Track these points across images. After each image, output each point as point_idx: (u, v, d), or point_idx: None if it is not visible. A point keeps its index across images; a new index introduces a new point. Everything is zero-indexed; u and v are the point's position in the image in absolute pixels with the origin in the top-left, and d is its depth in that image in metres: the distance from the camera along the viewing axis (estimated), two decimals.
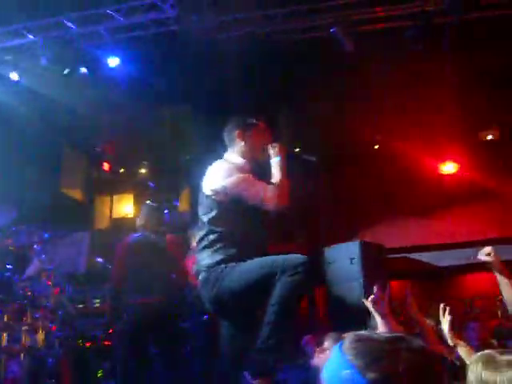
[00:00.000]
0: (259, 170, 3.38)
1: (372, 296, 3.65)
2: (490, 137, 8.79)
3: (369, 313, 3.75)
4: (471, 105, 7.92)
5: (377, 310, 3.64)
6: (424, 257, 9.01)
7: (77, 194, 9.28)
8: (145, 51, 6.84)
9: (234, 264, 3.07)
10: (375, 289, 3.61)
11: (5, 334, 4.19)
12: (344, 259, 8.54)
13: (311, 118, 8.17)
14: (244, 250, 3.13)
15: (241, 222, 3.19)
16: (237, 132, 3.38)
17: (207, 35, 6.50)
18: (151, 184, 9.90)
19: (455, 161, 8.96)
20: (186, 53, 6.72)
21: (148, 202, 6.59)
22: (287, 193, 3.20)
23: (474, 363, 1.82)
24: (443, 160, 8.98)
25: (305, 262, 2.96)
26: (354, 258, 8.37)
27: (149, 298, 4.80)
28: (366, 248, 8.33)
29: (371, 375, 1.14)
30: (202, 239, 3.24)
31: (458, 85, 7.46)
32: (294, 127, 7.84)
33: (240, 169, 3.26)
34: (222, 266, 3.09)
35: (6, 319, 4.23)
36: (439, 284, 9.28)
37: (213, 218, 3.21)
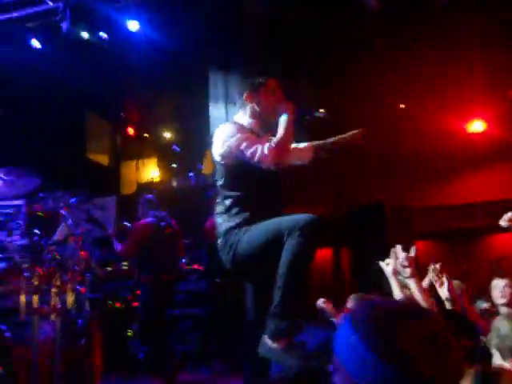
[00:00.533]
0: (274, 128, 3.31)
1: (399, 256, 3.67)
2: None
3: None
4: (498, 62, 7.68)
5: (404, 271, 3.65)
6: (450, 217, 8.93)
7: (103, 160, 9.38)
8: (164, 13, 6.75)
9: (247, 227, 3.08)
10: (399, 250, 3.63)
11: (36, 297, 4.32)
12: (367, 221, 8.59)
13: (335, 81, 8.02)
14: (259, 212, 3.12)
15: (252, 184, 3.17)
16: (246, 93, 3.33)
17: None
18: (175, 147, 9.96)
19: (483, 119, 8.74)
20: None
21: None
22: (286, 151, 3.15)
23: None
24: (471, 119, 8.77)
25: (312, 222, 2.90)
26: (376, 219, 8.42)
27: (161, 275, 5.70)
28: (389, 209, 8.35)
29: (374, 345, 1.14)
30: (217, 204, 3.26)
31: (484, 43, 7.25)
32: (317, 89, 7.72)
33: (244, 129, 3.21)
34: (236, 230, 3.10)
35: (36, 282, 4.36)
36: (464, 244, 9.21)
37: (224, 183, 3.22)
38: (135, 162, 10.09)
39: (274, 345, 2.94)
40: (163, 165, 9.96)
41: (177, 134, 9.82)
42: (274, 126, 3.30)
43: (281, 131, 3.16)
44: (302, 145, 3.62)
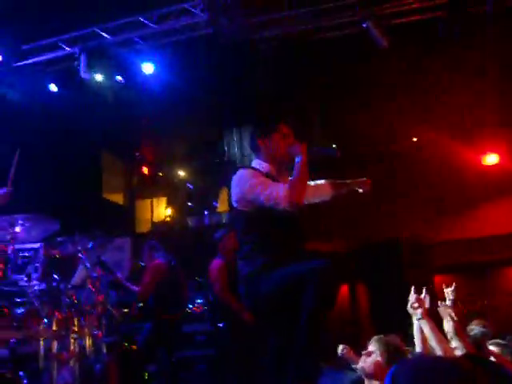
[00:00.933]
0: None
1: (411, 298, 3.64)
2: None
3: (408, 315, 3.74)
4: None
5: (414, 313, 3.62)
6: (467, 250, 8.85)
7: (118, 199, 9.46)
8: (178, 57, 6.91)
9: (267, 273, 3.09)
10: (413, 290, 3.61)
11: (55, 342, 4.31)
12: (383, 257, 8.51)
13: (347, 117, 8.10)
14: (279, 256, 3.13)
15: (271, 228, 3.18)
16: (258, 140, 3.39)
17: (239, 37, 6.54)
18: (189, 185, 10.04)
19: (497, 152, 8.74)
20: (220, 55, 6.79)
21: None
22: (302, 192, 3.15)
23: None
24: (485, 152, 8.77)
25: (327, 268, 2.96)
26: (392, 255, 8.35)
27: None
28: (405, 245, 8.28)
29: None
30: (238, 250, 3.30)
31: (497, 75, 7.29)
32: (329, 126, 7.81)
33: (260, 174, 3.25)
34: (256, 276, 3.11)
35: (54, 327, 4.35)
36: (483, 278, 9.09)
37: (243, 228, 3.27)
38: (150, 201, 10.16)
39: None
40: (177, 203, 10.02)
41: (191, 172, 9.91)
42: (290, 169, 3.34)
43: (295, 173, 3.19)
44: (320, 182, 3.65)
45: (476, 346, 3.48)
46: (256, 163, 3.39)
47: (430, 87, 7.56)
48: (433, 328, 3.43)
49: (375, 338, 3.69)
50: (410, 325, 4.37)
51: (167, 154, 9.34)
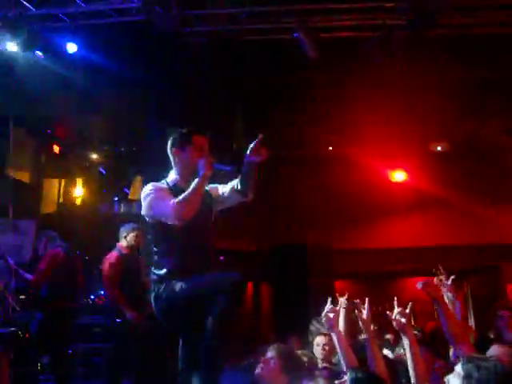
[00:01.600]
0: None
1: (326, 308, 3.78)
2: (439, 148, 9.07)
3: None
4: (423, 116, 8.16)
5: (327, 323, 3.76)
6: (369, 260, 9.28)
7: (24, 177, 8.99)
8: (104, 39, 6.68)
9: (175, 281, 3.17)
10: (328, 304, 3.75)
11: None
12: (290, 259, 8.76)
13: (267, 118, 8.21)
14: (187, 262, 3.22)
15: (176, 238, 3.24)
16: (174, 150, 3.40)
17: (170, 28, 6.42)
18: (102, 170, 9.74)
19: (405, 170, 9.22)
20: (147, 44, 6.65)
21: None
22: (191, 208, 3.15)
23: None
24: (394, 168, 9.22)
25: (234, 283, 3.09)
26: (299, 258, 8.61)
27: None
28: (312, 250, 8.57)
29: None
30: (149, 256, 3.40)
31: (410, 96, 7.68)
32: (250, 126, 7.86)
33: (161, 188, 3.30)
34: (164, 284, 3.20)
35: None
36: (380, 286, 9.58)
37: (151, 237, 3.37)
38: (58, 181, 9.74)
39: None
40: (87, 187, 9.70)
41: (105, 156, 9.61)
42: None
43: (191, 188, 3.18)
44: (228, 187, 3.56)
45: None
46: (170, 173, 3.44)
47: (349, 101, 7.80)
48: (341, 340, 3.60)
49: (273, 346, 3.82)
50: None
51: (83, 134, 8.96)
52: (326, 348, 4.24)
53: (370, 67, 7.00)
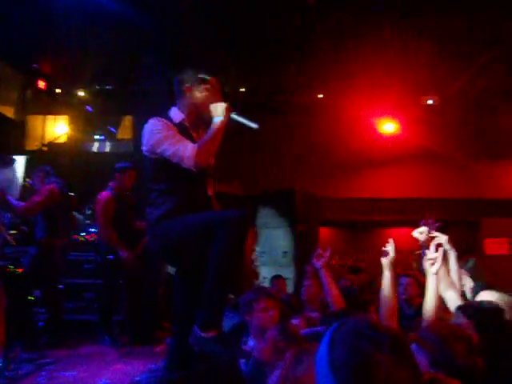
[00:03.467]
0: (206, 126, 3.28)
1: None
2: (430, 101, 9.11)
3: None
4: (415, 69, 8.12)
5: (314, 264, 3.95)
6: (354, 209, 9.43)
7: (9, 112, 8.78)
8: None
9: (175, 219, 3.11)
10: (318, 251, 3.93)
11: None
12: (277, 204, 8.82)
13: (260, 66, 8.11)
14: (185, 204, 3.16)
15: (178, 177, 3.16)
16: (186, 86, 3.29)
17: None
18: (88, 107, 9.55)
19: (395, 121, 9.25)
20: None
21: None
22: (210, 153, 3.12)
23: None
24: (384, 119, 9.25)
25: (240, 218, 3.00)
26: (287, 206, 8.66)
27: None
28: (299, 196, 8.62)
29: None
30: (148, 195, 3.28)
31: (404, 49, 7.62)
32: (242, 74, 7.76)
33: (171, 126, 3.19)
34: (164, 221, 3.13)
35: None
36: (364, 235, 9.78)
37: (152, 175, 3.25)
38: (42, 118, 9.55)
39: (204, 335, 2.99)
40: (73, 124, 9.53)
41: (93, 94, 9.41)
42: (204, 125, 3.30)
43: (209, 133, 3.12)
44: None
45: None
46: (172, 111, 3.32)
47: (347, 51, 7.70)
48: (327, 278, 3.78)
49: (256, 286, 3.90)
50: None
51: (71, 70, 8.71)
52: None
53: (362, 17, 6.90)
